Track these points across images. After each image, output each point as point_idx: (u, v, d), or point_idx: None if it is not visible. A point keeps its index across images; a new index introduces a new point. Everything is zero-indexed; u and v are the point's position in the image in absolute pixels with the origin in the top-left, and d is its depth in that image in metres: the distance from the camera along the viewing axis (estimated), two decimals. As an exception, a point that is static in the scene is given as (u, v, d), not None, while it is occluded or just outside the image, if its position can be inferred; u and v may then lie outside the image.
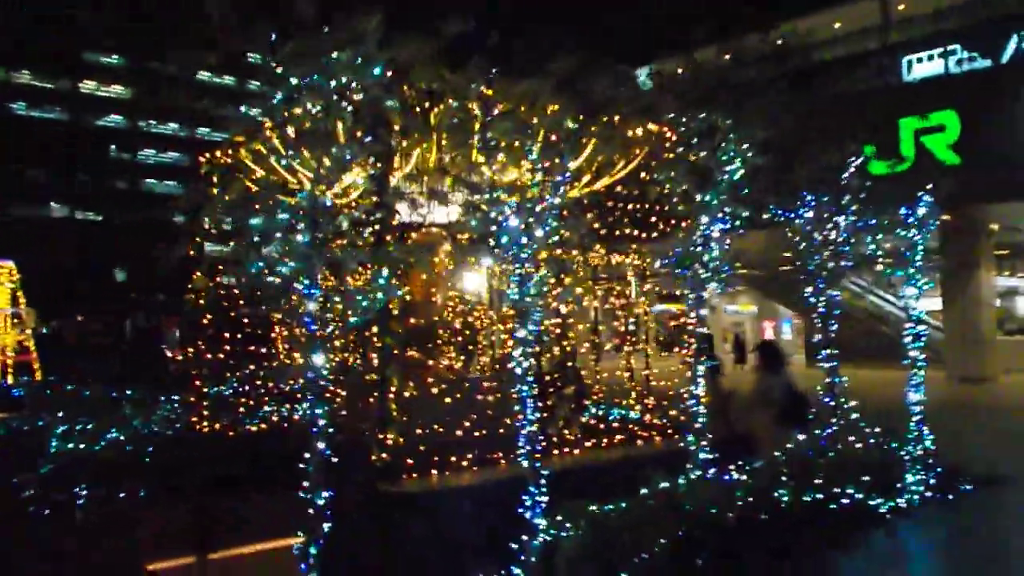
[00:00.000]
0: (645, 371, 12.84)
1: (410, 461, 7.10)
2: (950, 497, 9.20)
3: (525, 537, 6.14)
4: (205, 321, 10.46)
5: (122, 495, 9.83)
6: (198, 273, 10.36)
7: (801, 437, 8.83)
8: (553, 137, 6.70)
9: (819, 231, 8.62)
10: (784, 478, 7.91)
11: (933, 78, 27.60)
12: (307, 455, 5.31)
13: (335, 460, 5.51)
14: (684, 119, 7.09)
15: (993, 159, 23.96)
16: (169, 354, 22.84)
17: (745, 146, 7.33)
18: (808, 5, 32.66)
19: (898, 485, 8.81)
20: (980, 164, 24.01)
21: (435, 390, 8.05)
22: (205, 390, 10.73)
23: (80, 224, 67.69)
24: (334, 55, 5.15)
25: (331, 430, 5.42)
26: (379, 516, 6.69)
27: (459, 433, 7.69)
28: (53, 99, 70.43)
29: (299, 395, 11.86)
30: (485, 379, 8.99)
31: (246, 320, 11.66)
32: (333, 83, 5.19)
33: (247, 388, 11.94)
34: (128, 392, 12.89)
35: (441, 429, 7.61)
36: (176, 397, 11.91)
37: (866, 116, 21.36)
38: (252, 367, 12.50)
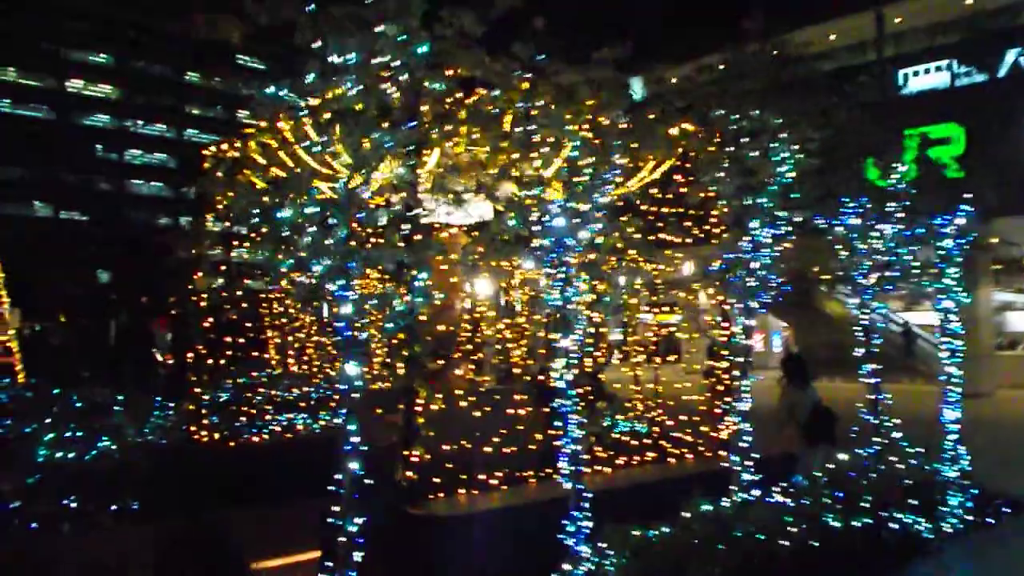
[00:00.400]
0: (652, 383, 12.35)
1: (437, 480, 6.56)
2: (991, 521, 8.81)
3: (567, 566, 5.63)
4: (206, 324, 9.87)
5: (113, 508, 9.31)
6: (200, 274, 9.78)
7: (843, 456, 8.37)
8: (588, 134, 6.23)
9: (863, 240, 8.18)
10: (828, 500, 7.47)
11: (936, 91, 27.41)
12: (337, 476, 4.78)
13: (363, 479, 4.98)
14: (736, 116, 6.64)
15: (995, 173, 23.73)
16: (160, 358, 22.05)
17: (796, 147, 6.90)
18: (801, 19, 32.45)
19: (940, 508, 8.40)
20: (982, 178, 23.78)
21: (463, 403, 7.51)
22: (204, 397, 10.15)
23: (64, 224, 66.46)
24: (376, 30, 4.65)
25: (362, 448, 4.89)
26: (407, 539, 6.15)
27: (487, 449, 7.15)
28: (39, 97, 69.29)
29: (301, 404, 11.31)
30: (510, 390, 8.47)
31: (248, 324, 11.08)
32: (374, 61, 4.69)
33: (246, 396, 11.35)
34: (119, 397, 12.28)
35: (468, 445, 7.06)
36: (171, 404, 11.32)
37: (880, 127, 21.09)
38: (254, 374, 11.91)
